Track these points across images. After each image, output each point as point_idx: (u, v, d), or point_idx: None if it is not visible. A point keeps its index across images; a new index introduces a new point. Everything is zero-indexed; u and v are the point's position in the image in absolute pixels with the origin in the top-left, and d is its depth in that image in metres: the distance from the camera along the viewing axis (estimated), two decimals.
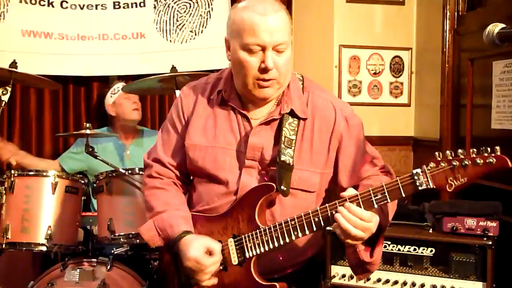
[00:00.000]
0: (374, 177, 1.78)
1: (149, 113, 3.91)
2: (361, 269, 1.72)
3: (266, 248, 1.67)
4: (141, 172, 2.84)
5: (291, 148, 1.71)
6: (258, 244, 1.68)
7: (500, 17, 2.73)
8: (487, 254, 2.40)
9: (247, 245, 1.70)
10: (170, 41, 3.84)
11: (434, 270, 2.50)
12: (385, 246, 2.59)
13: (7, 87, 2.76)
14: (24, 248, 2.74)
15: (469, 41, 3.23)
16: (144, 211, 2.74)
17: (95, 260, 2.85)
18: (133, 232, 2.79)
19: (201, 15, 3.84)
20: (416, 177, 1.51)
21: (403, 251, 2.54)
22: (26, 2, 3.68)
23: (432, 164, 1.49)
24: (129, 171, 2.85)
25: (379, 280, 2.55)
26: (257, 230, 1.68)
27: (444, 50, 3.37)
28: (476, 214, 2.50)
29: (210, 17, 3.84)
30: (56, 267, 2.82)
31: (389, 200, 1.54)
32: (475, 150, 1.46)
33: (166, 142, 1.90)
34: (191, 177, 1.92)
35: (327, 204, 1.61)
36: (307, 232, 1.63)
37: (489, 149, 1.45)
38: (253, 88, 1.71)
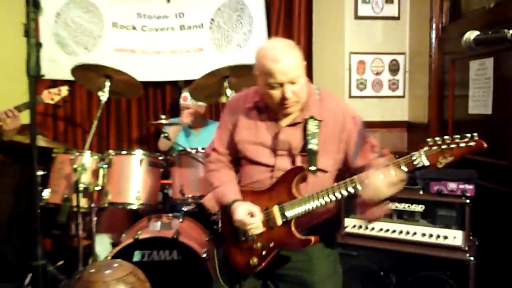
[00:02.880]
0: (374, 161, 1.75)
1: (212, 107, 3.91)
2: (375, 218, 1.75)
3: (303, 211, 1.70)
4: (202, 151, 2.86)
5: (315, 138, 1.72)
6: (296, 211, 1.71)
7: (475, 27, 2.62)
8: (465, 209, 2.36)
9: (287, 210, 1.72)
10: (222, 53, 3.82)
11: (424, 222, 2.48)
12: None
13: (104, 90, 2.82)
14: (120, 206, 2.81)
15: (450, 46, 3.13)
16: (202, 178, 2.83)
17: (171, 215, 2.89)
18: (198, 194, 2.83)
19: (244, 33, 3.81)
20: (414, 158, 1.53)
21: (399, 207, 2.52)
22: (116, 27, 3.72)
23: (426, 148, 1.52)
24: (195, 150, 2.86)
25: (381, 230, 2.54)
26: (295, 199, 1.71)
27: (431, 53, 3.27)
28: (457, 179, 2.45)
29: (251, 34, 3.80)
30: (143, 220, 2.88)
31: (393, 175, 1.55)
32: (458, 136, 1.48)
33: (220, 137, 1.93)
34: (240, 160, 1.93)
35: (346, 179, 1.65)
36: (332, 199, 1.67)
37: (469, 135, 1.47)
38: (279, 110, 1.75)
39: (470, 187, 2.41)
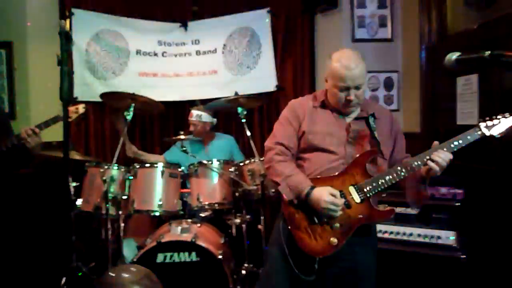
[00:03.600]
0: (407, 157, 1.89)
1: (221, 122, 3.89)
2: (420, 202, 1.89)
3: (382, 188, 1.76)
4: (218, 163, 2.88)
5: (376, 131, 1.83)
6: (375, 186, 1.76)
7: (460, 47, 2.62)
8: (456, 212, 2.35)
9: (366, 188, 1.77)
10: (234, 74, 3.85)
11: (419, 223, 2.46)
12: (384, 207, 2.53)
13: (129, 110, 2.86)
14: (144, 213, 2.84)
15: (439, 64, 3.10)
16: (219, 188, 2.83)
17: (190, 220, 2.89)
18: (213, 202, 2.84)
19: (254, 56, 3.83)
20: (477, 130, 1.71)
21: (397, 211, 2.49)
22: (140, 54, 3.80)
23: (483, 123, 1.70)
24: (210, 162, 2.89)
25: (380, 231, 2.51)
26: (371, 178, 1.77)
27: (422, 71, 3.26)
28: (447, 184, 2.43)
29: (260, 58, 3.83)
30: (165, 225, 2.90)
31: (463, 145, 1.73)
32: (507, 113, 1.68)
33: (284, 132, 1.91)
34: (300, 154, 1.91)
35: (419, 155, 1.74)
36: (408, 173, 1.74)
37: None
38: (342, 108, 1.86)
39: (460, 191, 2.40)
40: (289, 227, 1.81)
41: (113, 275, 1.09)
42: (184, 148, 2.94)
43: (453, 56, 1.34)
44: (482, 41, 2.58)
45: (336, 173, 1.79)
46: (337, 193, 1.74)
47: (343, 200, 1.75)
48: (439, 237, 2.37)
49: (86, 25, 3.68)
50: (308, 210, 1.77)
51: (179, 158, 3.28)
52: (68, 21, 3.65)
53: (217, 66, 3.85)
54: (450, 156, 1.69)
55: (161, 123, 3.93)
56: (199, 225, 2.83)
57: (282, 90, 3.80)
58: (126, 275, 1.08)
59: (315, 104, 1.91)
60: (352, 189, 1.77)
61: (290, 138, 1.89)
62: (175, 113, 3.94)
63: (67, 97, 1.61)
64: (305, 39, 3.77)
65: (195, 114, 3.32)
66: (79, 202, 2.84)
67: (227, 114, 3.88)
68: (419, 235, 2.42)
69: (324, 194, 1.72)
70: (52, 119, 2.44)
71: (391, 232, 2.50)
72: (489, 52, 1.20)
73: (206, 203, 2.84)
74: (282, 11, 3.80)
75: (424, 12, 3.20)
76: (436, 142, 1.74)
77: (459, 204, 2.35)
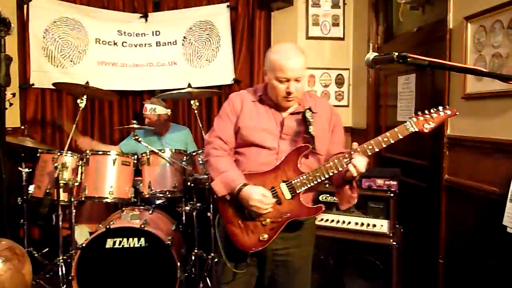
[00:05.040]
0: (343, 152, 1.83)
1: (180, 112, 3.92)
2: (348, 203, 1.80)
3: (311, 184, 1.70)
4: (170, 152, 2.89)
5: (312, 126, 1.73)
6: (304, 183, 1.71)
7: (404, 48, 2.72)
8: (390, 202, 2.43)
9: (296, 185, 1.71)
10: (193, 66, 3.84)
11: (358, 212, 2.53)
12: (326, 198, 2.62)
13: (82, 98, 2.82)
14: (96, 200, 2.82)
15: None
16: (170, 176, 2.82)
17: (142, 207, 2.90)
18: (164, 189, 2.85)
19: (213, 49, 3.84)
20: (407, 126, 1.65)
21: (337, 200, 2.56)
22: (99, 43, 3.73)
23: (414, 119, 1.66)
24: (162, 151, 2.89)
25: (321, 219, 2.58)
26: (302, 175, 1.71)
27: (369, 70, 3.34)
28: (383, 176, 2.51)
29: (218, 51, 3.84)
30: (117, 212, 2.89)
31: (392, 141, 1.66)
32: (437, 108, 1.65)
33: (222, 127, 1.85)
34: (237, 149, 1.86)
35: (345, 154, 1.67)
36: (335, 172, 1.68)
37: (446, 106, 1.67)
38: (281, 102, 1.77)
39: (394, 183, 2.48)
40: (224, 222, 1.80)
41: None
42: (136, 137, 2.91)
43: (371, 56, 1.39)
44: (420, 42, 2.69)
45: (269, 169, 1.75)
46: (269, 193, 1.71)
47: (273, 200, 1.70)
48: (374, 225, 2.46)
49: (43, 13, 3.57)
50: (240, 206, 1.73)
51: (134, 148, 3.25)
52: (25, 7, 3.53)
53: (177, 58, 3.83)
54: (366, 160, 1.65)
55: (120, 112, 3.88)
56: (150, 212, 2.83)
57: (239, 83, 3.82)
58: None
59: (254, 99, 1.84)
60: (283, 186, 1.72)
61: (227, 133, 1.83)
62: (133, 103, 3.90)
63: (4, 84, 1.58)
64: (262, 34, 3.80)
65: (149, 108, 3.28)
66: (31, 188, 2.80)
67: (184, 105, 3.89)
68: (356, 223, 2.50)
69: (254, 193, 1.68)
70: None
71: (332, 220, 2.57)
72: (396, 53, 1.26)
73: (158, 190, 2.84)
74: (240, 6, 3.81)
75: (372, 14, 3.29)
76: (355, 143, 1.68)
77: (392, 194, 2.43)
